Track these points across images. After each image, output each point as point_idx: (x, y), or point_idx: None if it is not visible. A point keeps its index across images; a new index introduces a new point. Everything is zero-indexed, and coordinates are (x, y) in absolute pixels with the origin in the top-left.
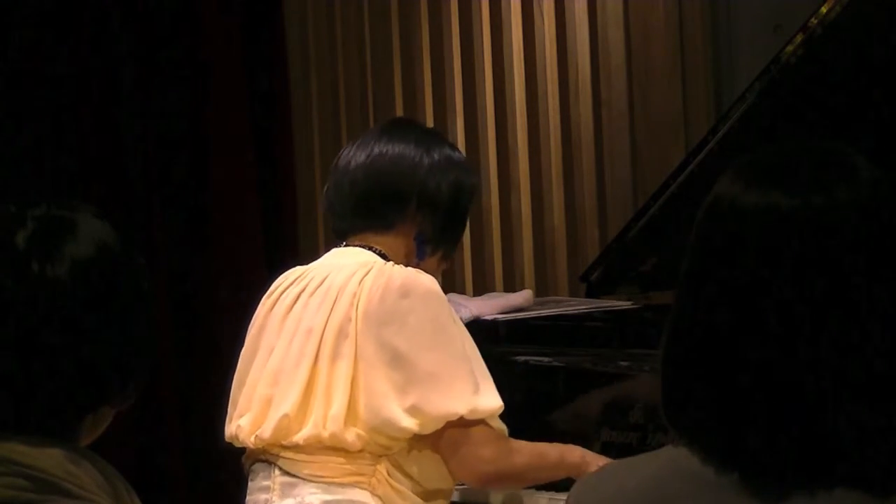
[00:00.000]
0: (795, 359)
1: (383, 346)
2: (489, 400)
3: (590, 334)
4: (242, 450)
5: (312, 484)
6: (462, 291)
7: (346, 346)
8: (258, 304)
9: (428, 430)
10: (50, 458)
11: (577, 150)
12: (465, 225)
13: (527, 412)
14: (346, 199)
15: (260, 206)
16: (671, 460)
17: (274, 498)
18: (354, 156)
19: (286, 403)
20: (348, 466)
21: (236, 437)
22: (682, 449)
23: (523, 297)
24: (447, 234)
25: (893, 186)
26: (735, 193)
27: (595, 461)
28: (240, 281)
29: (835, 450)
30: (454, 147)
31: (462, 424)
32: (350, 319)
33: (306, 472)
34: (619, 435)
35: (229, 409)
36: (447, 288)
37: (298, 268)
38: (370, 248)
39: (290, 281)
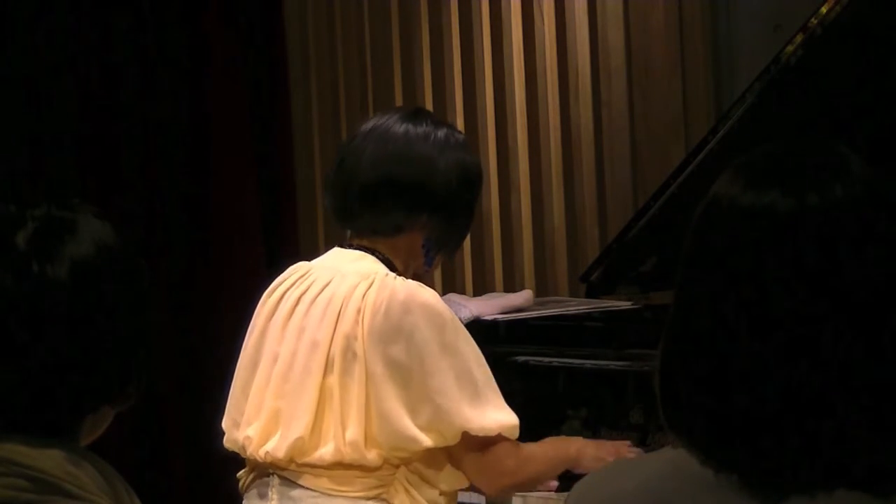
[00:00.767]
0: (795, 360)
1: (390, 364)
2: (500, 414)
3: (590, 334)
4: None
5: (324, 496)
6: (462, 291)
7: (355, 366)
8: (258, 303)
9: (448, 442)
10: (50, 459)
11: (577, 150)
12: (471, 222)
13: (527, 412)
14: (354, 198)
15: (260, 206)
16: (671, 461)
17: None
18: (368, 148)
19: (298, 424)
20: (368, 480)
21: (244, 448)
22: (682, 450)
23: (523, 297)
24: (456, 237)
25: (888, 185)
26: (733, 194)
27: (589, 451)
28: (240, 281)
29: (835, 451)
30: (465, 146)
31: (479, 438)
32: (356, 337)
33: (325, 486)
34: (619, 435)
35: (232, 413)
36: (447, 288)
37: (302, 264)
38: (373, 252)
39: (293, 281)
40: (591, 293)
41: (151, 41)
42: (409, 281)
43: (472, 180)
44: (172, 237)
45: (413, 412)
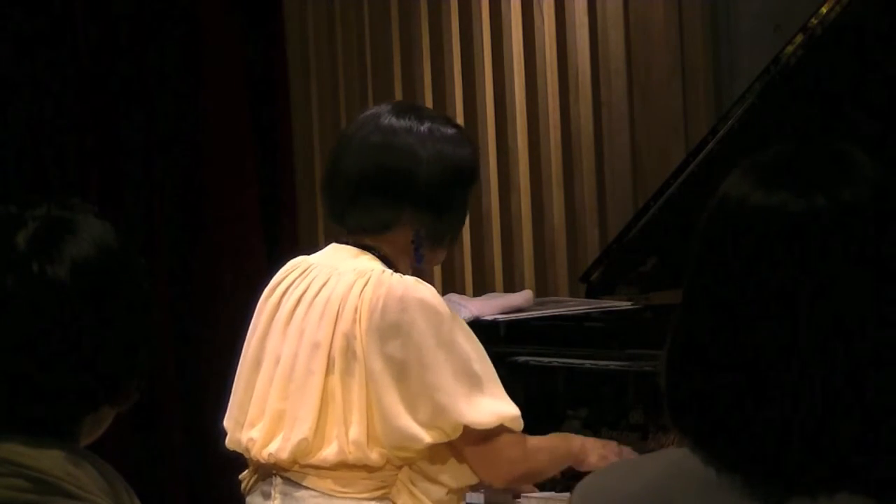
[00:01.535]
0: (801, 361)
1: (389, 362)
2: (499, 405)
3: (590, 334)
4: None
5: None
6: (462, 291)
7: (355, 365)
8: (259, 301)
9: (450, 437)
10: (50, 459)
11: (577, 150)
12: (465, 214)
13: (527, 412)
14: (339, 194)
15: (260, 205)
16: (673, 462)
17: None
18: (353, 143)
19: (302, 426)
20: (371, 481)
21: (247, 449)
22: (684, 450)
23: (523, 297)
24: (448, 233)
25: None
26: (743, 193)
27: (594, 447)
28: (240, 280)
29: (838, 454)
30: (455, 139)
31: (481, 431)
32: (355, 336)
33: (329, 487)
34: (619, 435)
35: (235, 413)
36: (447, 288)
37: (301, 259)
38: (371, 249)
39: (292, 280)
40: (591, 293)
41: (151, 40)
42: (406, 277)
43: (460, 173)
44: (172, 237)
45: (412, 409)
